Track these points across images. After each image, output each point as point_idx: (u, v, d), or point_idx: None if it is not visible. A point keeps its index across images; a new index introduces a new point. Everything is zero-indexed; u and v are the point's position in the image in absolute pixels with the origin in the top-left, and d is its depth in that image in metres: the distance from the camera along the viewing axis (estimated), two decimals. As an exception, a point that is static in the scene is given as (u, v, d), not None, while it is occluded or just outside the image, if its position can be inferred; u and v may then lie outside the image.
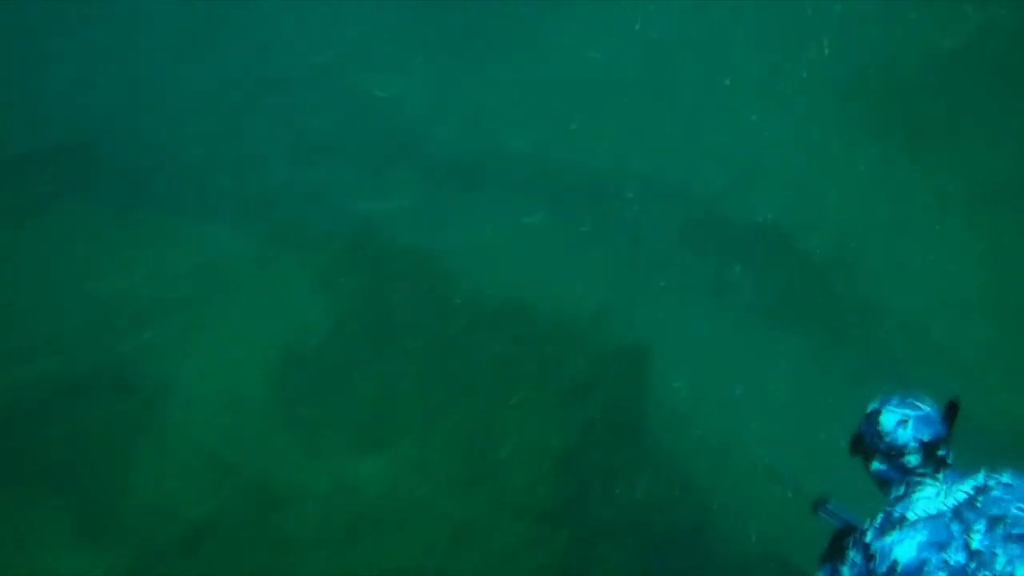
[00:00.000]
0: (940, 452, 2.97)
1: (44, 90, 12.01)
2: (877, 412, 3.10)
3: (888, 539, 2.71)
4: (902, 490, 2.96)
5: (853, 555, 2.84)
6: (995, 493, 2.70)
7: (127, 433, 7.67)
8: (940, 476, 2.92)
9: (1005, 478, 2.78)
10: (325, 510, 6.97)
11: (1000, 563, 2.49)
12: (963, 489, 2.79)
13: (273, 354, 8.60)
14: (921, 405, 3.07)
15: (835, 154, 11.41)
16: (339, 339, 8.72)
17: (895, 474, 3.01)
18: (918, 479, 2.93)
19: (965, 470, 2.96)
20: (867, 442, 3.11)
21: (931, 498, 2.81)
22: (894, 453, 3.00)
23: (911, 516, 2.76)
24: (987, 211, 10.27)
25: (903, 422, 2.99)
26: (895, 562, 2.64)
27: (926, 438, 2.96)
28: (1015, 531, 2.55)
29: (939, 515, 2.71)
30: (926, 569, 2.57)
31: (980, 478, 2.83)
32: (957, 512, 2.70)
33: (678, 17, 14.53)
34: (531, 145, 12.54)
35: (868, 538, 2.78)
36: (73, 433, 7.57)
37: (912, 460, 2.97)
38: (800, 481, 7.42)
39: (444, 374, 8.14)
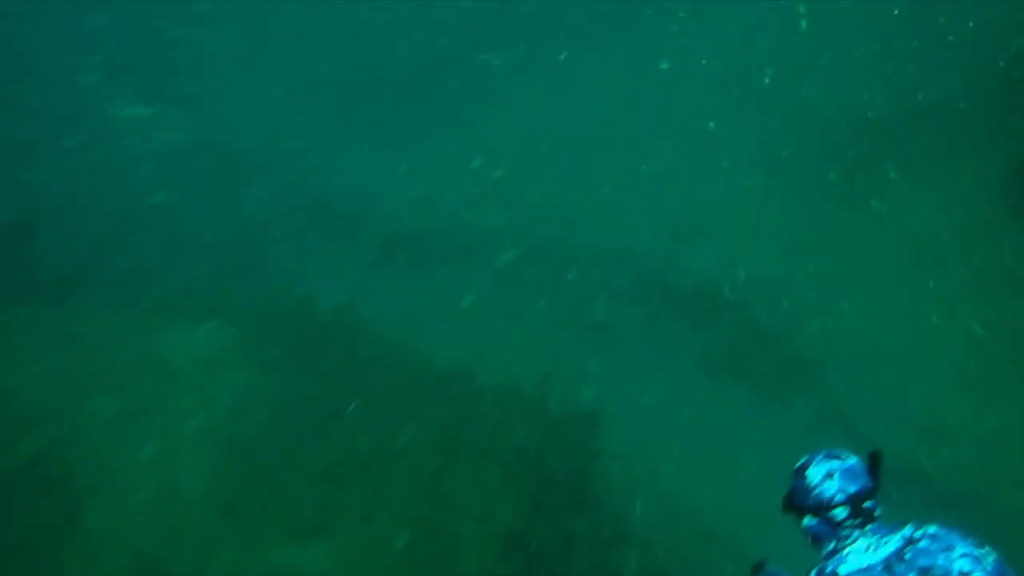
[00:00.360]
0: (867, 505, 2.98)
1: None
2: (804, 467, 3.11)
3: None
4: (833, 545, 2.97)
5: None
6: (922, 544, 2.73)
7: (49, 538, 7.24)
8: (869, 529, 2.94)
9: (932, 530, 2.80)
10: (266, 603, 6.64)
11: None
12: (892, 542, 2.81)
13: (211, 442, 8.31)
14: (846, 458, 3.08)
15: (772, 212, 11.70)
16: (279, 422, 8.47)
17: (825, 529, 3.02)
18: (847, 533, 2.95)
19: (894, 523, 2.97)
20: (797, 498, 3.12)
21: (861, 552, 2.83)
22: (822, 507, 3.00)
23: (842, 571, 2.78)
24: (917, 263, 10.56)
25: (829, 475, 3.00)
26: None
27: (852, 490, 2.97)
28: None
29: (869, 568, 2.74)
30: None
31: (908, 530, 2.84)
32: (887, 565, 2.73)
33: (613, 85, 14.98)
34: (471, 218, 12.63)
35: None
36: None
37: (840, 513, 2.97)
38: (746, 543, 7.33)
39: (388, 451, 7.92)
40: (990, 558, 2.70)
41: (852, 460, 3.06)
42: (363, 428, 8.23)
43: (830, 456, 3.08)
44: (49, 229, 10.85)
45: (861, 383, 9.52)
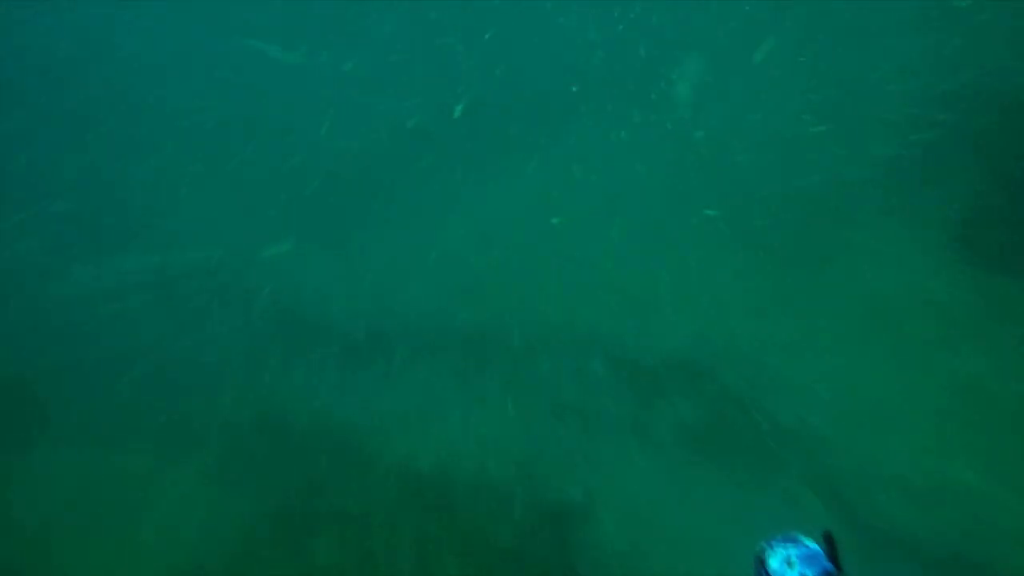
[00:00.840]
0: None
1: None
2: (762, 554, 3.19)
3: None
4: None
5: None
6: None
7: None
8: None
9: None
10: None
11: None
12: None
13: (182, 571, 7.90)
14: (804, 543, 3.16)
15: (733, 281, 11.77)
16: (252, 545, 8.10)
17: None
18: None
19: None
20: None
21: None
22: None
23: None
24: (881, 324, 10.63)
25: (788, 562, 3.07)
26: None
27: (812, 574, 3.01)
28: None
29: None
30: None
31: None
32: None
33: (558, 165, 15.22)
34: (432, 311, 12.53)
35: None
36: None
37: None
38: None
39: (363, 562, 7.57)
40: None
41: (811, 545, 3.13)
42: (341, 543, 7.88)
43: (787, 541, 3.16)
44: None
45: (840, 447, 9.40)
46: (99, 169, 14.49)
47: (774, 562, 3.11)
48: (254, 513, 8.24)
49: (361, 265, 13.57)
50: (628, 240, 12.42)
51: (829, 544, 3.12)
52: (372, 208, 14.86)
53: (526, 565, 7.49)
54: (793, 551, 3.13)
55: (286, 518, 8.09)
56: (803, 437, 9.70)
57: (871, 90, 13.46)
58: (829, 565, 3.07)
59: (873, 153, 12.60)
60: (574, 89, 15.03)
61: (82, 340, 11.41)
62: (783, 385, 10.22)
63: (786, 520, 9.46)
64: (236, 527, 8.11)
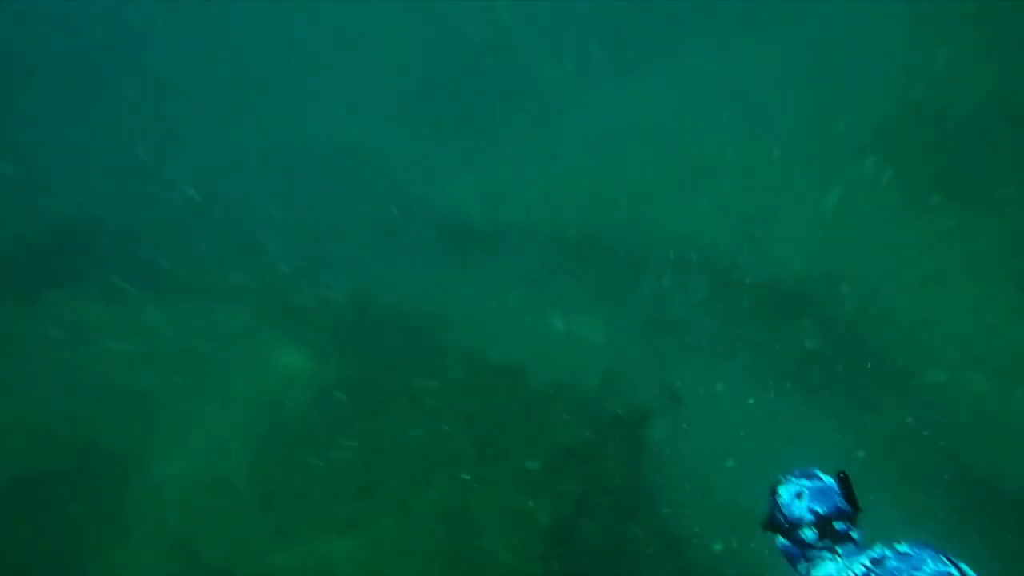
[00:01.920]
0: (838, 526, 2.90)
1: (59, 166, 12.22)
2: (777, 485, 3.07)
3: None
4: (804, 567, 2.93)
5: None
6: (891, 564, 2.65)
7: (96, 515, 7.27)
8: (840, 551, 2.87)
9: (902, 548, 2.70)
10: (293, 596, 6.40)
11: None
12: (861, 562, 2.72)
13: (255, 431, 8.21)
14: (821, 478, 3.01)
15: (862, 203, 10.83)
16: (324, 413, 8.29)
17: (795, 550, 2.96)
18: (815, 554, 2.90)
19: (866, 545, 2.85)
20: (771, 518, 3.06)
21: (831, 575, 2.79)
22: (792, 527, 2.95)
23: None
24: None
25: (799, 495, 2.96)
26: None
27: (822, 510, 2.90)
28: None
29: None
30: None
31: (877, 550, 2.74)
32: None
33: (692, 78, 14.38)
34: (544, 214, 12.26)
35: None
36: (41, 513, 7.20)
37: (808, 534, 2.92)
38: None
39: (430, 445, 7.60)
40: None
41: (826, 480, 2.99)
42: (407, 422, 7.94)
43: (803, 475, 3.02)
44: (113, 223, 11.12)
45: (956, 394, 8.57)
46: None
47: (785, 494, 2.99)
48: (332, 382, 8.40)
49: (472, 161, 13.43)
50: (752, 151, 11.60)
51: (843, 483, 2.96)
52: (496, 107, 14.67)
53: (594, 467, 7.30)
54: (807, 485, 2.97)
55: (360, 392, 8.20)
56: (916, 380, 8.90)
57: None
58: (842, 502, 2.92)
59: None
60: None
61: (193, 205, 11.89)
62: (901, 322, 9.38)
63: (868, 464, 8.88)
64: (312, 392, 8.30)
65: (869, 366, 9.40)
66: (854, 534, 2.93)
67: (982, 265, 9.49)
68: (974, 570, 2.64)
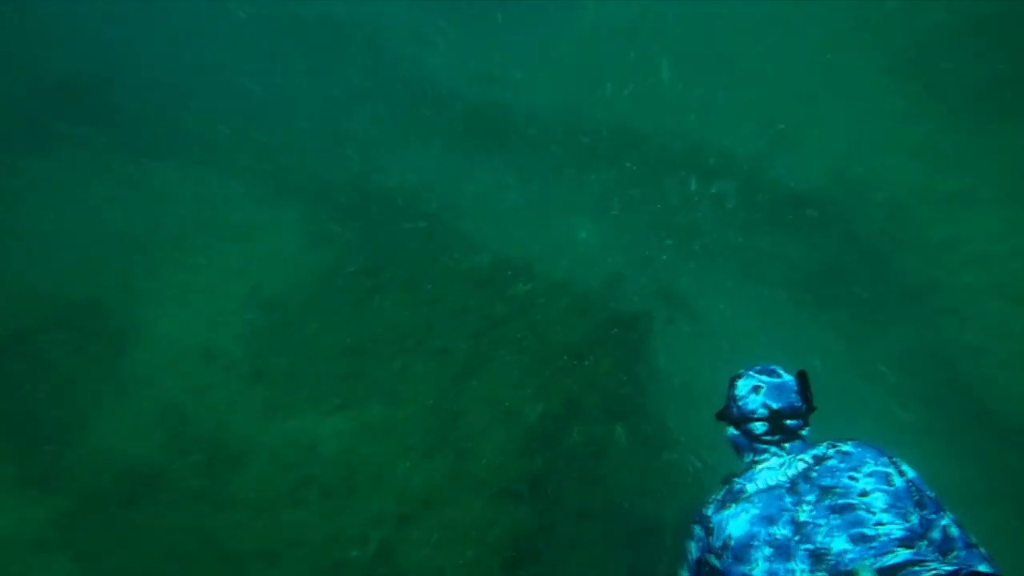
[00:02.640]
0: (790, 423, 2.88)
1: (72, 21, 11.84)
2: (737, 377, 3.07)
3: (725, 513, 2.69)
4: (750, 458, 2.92)
5: (697, 529, 2.80)
6: (831, 463, 2.65)
7: (91, 374, 7.36)
8: (787, 448, 2.86)
9: (846, 447, 2.71)
10: (276, 471, 6.47)
11: (821, 534, 2.48)
12: (803, 459, 2.73)
13: (254, 303, 8.19)
14: (780, 375, 3.00)
15: (893, 114, 10.24)
16: (325, 291, 8.23)
17: (744, 441, 2.96)
18: (763, 447, 2.89)
19: (814, 442, 2.86)
20: (726, 408, 3.06)
21: (773, 469, 2.76)
22: (744, 419, 2.94)
23: (750, 488, 2.72)
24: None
25: (756, 388, 2.95)
26: (728, 536, 2.63)
27: (775, 405, 2.90)
28: (840, 501, 2.52)
29: (776, 487, 2.68)
30: (754, 544, 2.55)
31: (821, 448, 2.75)
32: (793, 483, 2.66)
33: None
34: (560, 106, 11.75)
35: (709, 511, 2.76)
36: (37, 369, 7.29)
37: (758, 427, 2.91)
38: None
39: (426, 334, 7.52)
40: (901, 477, 2.60)
41: (785, 378, 2.98)
42: (404, 307, 7.85)
43: (764, 371, 3.00)
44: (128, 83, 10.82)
45: (973, 318, 8.28)
46: None
47: (742, 386, 3.00)
48: (333, 262, 8.30)
49: (498, 50, 12.80)
50: (781, 54, 10.91)
51: (801, 381, 2.96)
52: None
53: (589, 366, 7.20)
54: (765, 380, 2.98)
55: (360, 274, 8.09)
56: (931, 301, 8.60)
57: None
58: (796, 400, 2.93)
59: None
60: None
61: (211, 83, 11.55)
62: (924, 239, 8.99)
63: (868, 382, 8.69)
64: (313, 271, 8.21)
65: (885, 284, 9.10)
66: (804, 432, 2.93)
67: (1016, 186, 8.99)
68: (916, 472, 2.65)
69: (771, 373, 3.00)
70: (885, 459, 2.67)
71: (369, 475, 6.33)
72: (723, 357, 8.48)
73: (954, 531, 2.57)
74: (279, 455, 6.62)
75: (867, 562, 2.38)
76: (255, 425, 6.91)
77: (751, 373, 3.02)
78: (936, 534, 2.56)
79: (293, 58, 12.00)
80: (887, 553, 2.39)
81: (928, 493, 2.62)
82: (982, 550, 2.59)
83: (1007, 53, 9.88)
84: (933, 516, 2.58)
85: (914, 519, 2.52)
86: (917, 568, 2.28)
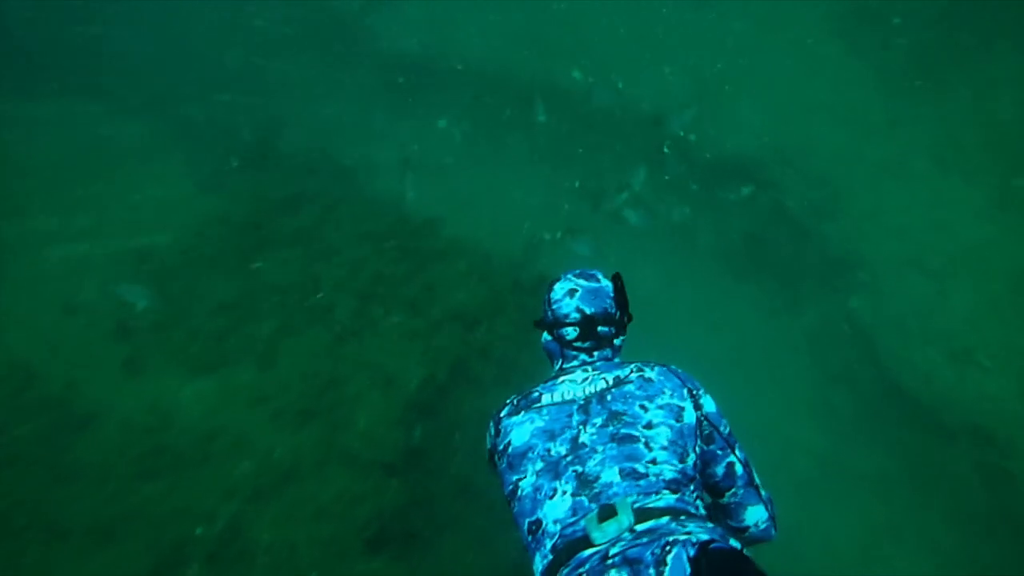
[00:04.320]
0: (602, 330, 2.79)
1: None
2: (555, 281, 2.94)
3: (514, 419, 2.62)
4: (558, 367, 2.82)
5: (491, 427, 2.72)
6: (629, 387, 2.56)
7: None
8: (597, 357, 2.79)
9: (650, 373, 2.61)
10: (127, 437, 5.83)
11: (594, 460, 2.40)
12: (605, 378, 2.63)
13: (130, 253, 7.46)
14: (599, 280, 2.89)
15: (828, 79, 9.82)
16: (208, 243, 7.53)
17: (555, 347, 2.85)
18: (574, 354, 2.80)
19: (627, 360, 2.73)
20: (542, 313, 2.93)
21: (574, 383, 2.65)
22: (557, 323, 2.83)
23: (545, 399, 2.62)
24: (994, 161, 8.65)
25: (572, 292, 2.84)
26: (508, 443, 2.58)
27: (588, 310, 2.80)
28: (623, 431, 2.44)
29: (570, 402, 2.59)
30: (529, 455, 2.50)
31: (627, 369, 2.64)
32: (587, 402, 2.57)
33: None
34: (494, 54, 11.07)
35: (503, 412, 2.69)
36: None
37: (570, 333, 2.80)
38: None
39: (310, 291, 6.92)
40: (696, 411, 2.52)
41: (603, 283, 2.88)
42: (291, 262, 7.22)
43: (583, 275, 2.88)
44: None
45: (891, 292, 7.96)
46: None
47: (558, 290, 2.87)
48: (222, 212, 7.59)
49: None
50: (717, 23, 10.38)
51: (617, 285, 2.85)
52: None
53: (481, 331, 6.68)
54: (582, 284, 2.85)
55: (248, 232, 7.40)
56: (854, 275, 8.26)
57: None
58: (611, 306, 2.82)
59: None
60: None
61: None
62: (850, 211, 8.63)
63: (787, 357, 8.34)
64: (199, 223, 7.48)
65: (807, 255, 8.75)
66: (617, 342, 2.83)
67: (946, 156, 8.67)
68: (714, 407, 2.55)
69: (589, 277, 2.87)
70: (684, 391, 2.56)
71: (228, 444, 5.75)
72: (639, 328, 8.07)
73: (739, 469, 2.57)
74: (132, 420, 5.98)
75: (629, 499, 2.29)
76: (110, 386, 6.24)
77: (569, 276, 2.89)
78: (719, 469, 2.55)
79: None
80: (652, 494, 2.30)
81: (721, 429, 2.56)
82: (763, 492, 2.61)
83: (952, 20, 9.52)
84: (719, 452, 2.55)
85: (691, 460, 2.44)
86: (674, 525, 2.18)
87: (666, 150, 9.81)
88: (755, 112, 9.49)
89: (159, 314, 6.82)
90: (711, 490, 2.61)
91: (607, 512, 2.27)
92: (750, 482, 2.60)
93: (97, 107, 9.38)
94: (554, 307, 2.85)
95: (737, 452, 2.59)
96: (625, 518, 2.22)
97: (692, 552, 1.96)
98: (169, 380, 6.30)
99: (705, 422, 2.54)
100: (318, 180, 8.53)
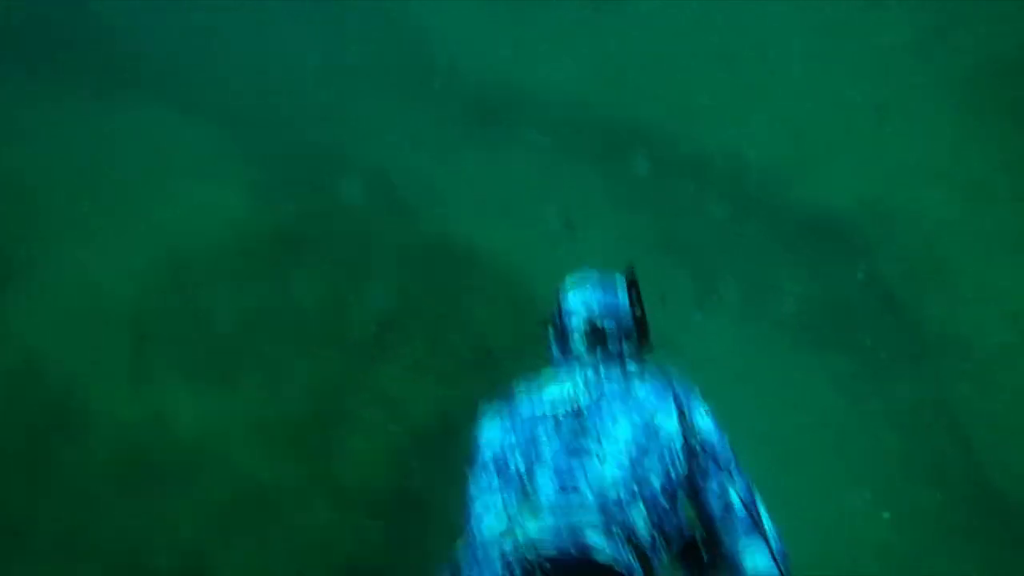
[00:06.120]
0: (609, 338, 2.55)
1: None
2: (567, 289, 2.70)
3: (490, 426, 2.49)
4: (555, 373, 2.56)
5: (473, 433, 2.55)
6: (606, 402, 2.35)
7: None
8: (600, 370, 2.48)
9: (642, 388, 2.38)
10: (116, 448, 5.47)
11: (541, 474, 2.25)
12: (592, 390, 2.40)
13: (163, 260, 7.22)
14: (618, 294, 2.65)
15: (941, 144, 8.84)
16: (244, 255, 7.22)
17: (558, 354, 2.62)
18: (575, 361, 2.53)
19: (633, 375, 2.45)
20: (551, 321, 2.70)
21: (561, 392, 2.43)
22: (563, 324, 2.62)
23: (524, 408, 2.44)
24: None
25: (584, 294, 2.64)
26: (478, 443, 2.48)
27: (598, 315, 2.58)
28: (584, 444, 2.27)
29: (544, 412, 2.40)
30: (486, 462, 2.38)
31: (616, 383, 2.40)
32: (564, 416, 2.37)
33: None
34: (567, 95, 10.63)
35: (483, 418, 2.55)
36: None
37: (575, 337, 2.57)
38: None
39: (335, 312, 6.47)
40: (679, 428, 2.27)
41: (622, 298, 2.63)
42: (323, 281, 6.81)
43: (600, 285, 2.67)
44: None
45: (998, 385, 6.85)
46: None
47: (570, 289, 2.66)
48: (251, 226, 7.28)
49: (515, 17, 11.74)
50: (808, 61, 9.57)
51: (632, 292, 2.63)
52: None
53: (503, 369, 6.07)
54: (598, 288, 2.63)
55: (277, 245, 7.03)
56: (947, 353, 7.19)
57: None
58: (626, 317, 2.59)
59: None
60: None
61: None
62: (952, 282, 7.59)
63: (867, 444, 7.31)
64: (225, 232, 7.18)
65: (901, 335, 7.72)
66: (629, 358, 2.54)
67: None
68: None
69: (606, 282, 2.68)
70: (674, 410, 2.30)
71: (215, 466, 5.31)
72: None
73: (737, 507, 2.23)
74: (126, 431, 5.63)
75: (545, 515, 2.11)
76: (112, 394, 5.92)
77: (584, 277, 2.71)
78: (712, 507, 2.23)
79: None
80: (578, 510, 2.11)
81: (719, 455, 2.28)
82: (775, 543, 2.20)
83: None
84: (715, 485, 2.24)
85: (653, 480, 2.17)
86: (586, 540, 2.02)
87: (749, 202, 9.03)
88: (856, 170, 8.60)
89: (180, 324, 6.51)
90: (707, 531, 2.28)
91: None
92: (753, 526, 2.23)
93: (172, 115, 9.38)
94: (563, 308, 2.64)
95: (738, 486, 2.27)
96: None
97: None
98: (173, 393, 5.93)
99: (698, 446, 2.28)
100: (372, 202, 8.19)
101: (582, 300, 2.62)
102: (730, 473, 2.28)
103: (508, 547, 2.09)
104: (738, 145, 9.45)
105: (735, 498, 2.25)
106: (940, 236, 8.14)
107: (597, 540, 2.03)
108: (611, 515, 2.10)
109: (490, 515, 2.25)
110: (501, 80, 10.98)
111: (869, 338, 8.03)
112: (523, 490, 2.24)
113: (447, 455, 5.40)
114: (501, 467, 2.35)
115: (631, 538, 2.08)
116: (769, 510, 2.27)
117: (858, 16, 10.03)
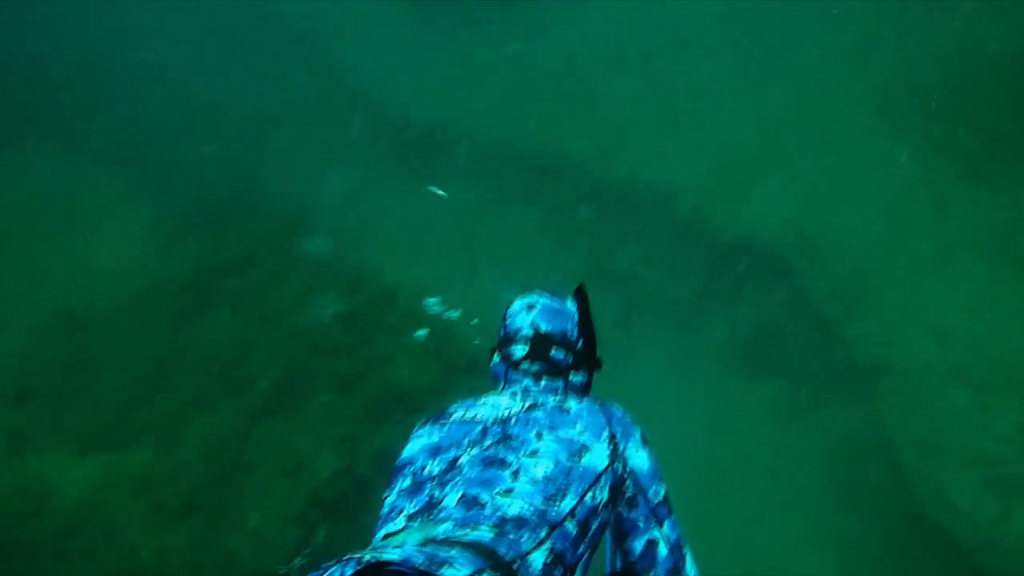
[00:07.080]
0: (555, 354, 2.34)
1: None
2: (515, 299, 2.46)
3: (418, 431, 2.25)
4: (499, 387, 2.37)
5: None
6: (538, 413, 2.17)
7: None
8: (542, 387, 2.31)
9: (572, 403, 2.18)
10: (-13, 523, 4.98)
11: (451, 484, 2.03)
12: (525, 403, 2.22)
13: (59, 314, 6.77)
14: (566, 303, 2.43)
15: (863, 164, 8.83)
16: (143, 306, 6.82)
17: (501, 370, 2.39)
18: (517, 379, 2.34)
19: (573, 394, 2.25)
20: (497, 340, 2.44)
21: (496, 404, 2.24)
22: (507, 340, 2.38)
23: (456, 416, 2.23)
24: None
25: (530, 306, 2.40)
26: (401, 454, 2.21)
27: (544, 327, 2.37)
28: (501, 455, 2.07)
29: (476, 422, 2.19)
30: (404, 471, 2.13)
31: (552, 398, 2.22)
32: (493, 425, 2.18)
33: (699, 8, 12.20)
34: (498, 132, 10.44)
35: (417, 425, 2.29)
36: None
37: (518, 351, 2.35)
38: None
39: (235, 362, 6.08)
40: (607, 459, 2.03)
41: (568, 305, 2.42)
42: (224, 325, 6.42)
43: (547, 294, 2.46)
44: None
45: (926, 405, 6.71)
46: None
47: (516, 303, 2.42)
48: (159, 281, 6.87)
49: (438, 53, 11.56)
50: (743, 88, 9.53)
51: (581, 304, 2.41)
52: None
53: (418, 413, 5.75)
54: (543, 302, 2.37)
55: (185, 300, 6.62)
56: (880, 379, 7.04)
57: None
58: (571, 328, 2.37)
59: None
60: None
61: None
62: (880, 307, 7.49)
63: (800, 472, 7.15)
64: (134, 285, 6.76)
65: (829, 357, 7.59)
66: (575, 378, 2.36)
67: (996, 253, 7.50)
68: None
69: (554, 296, 2.46)
70: (604, 432, 2.09)
71: (93, 540, 4.85)
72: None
73: (662, 550, 2.10)
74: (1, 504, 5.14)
75: (440, 527, 1.89)
76: (-12, 463, 5.43)
77: (533, 292, 2.48)
78: (636, 545, 2.08)
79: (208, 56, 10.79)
80: (468, 526, 1.89)
81: (650, 494, 2.09)
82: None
83: (1008, 109, 8.51)
84: (640, 523, 2.09)
85: (566, 505, 1.96)
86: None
87: (676, 228, 8.90)
88: (780, 193, 8.52)
89: (68, 380, 6.06)
90: (624, 568, 2.13)
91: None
92: (676, 572, 2.11)
93: (76, 158, 8.94)
94: (507, 322, 2.44)
95: (665, 529, 2.12)
96: (401, 551, 1.72)
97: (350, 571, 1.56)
98: (55, 458, 5.48)
99: (628, 481, 2.10)
100: (279, 242, 7.82)
101: (530, 317, 2.43)
102: (660, 523, 2.14)
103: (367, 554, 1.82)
104: (664, 172, 9.34)
105: (663, 547, 2.13)
106: (864, 255, 8.08)
107: (459, 559, 1.76)
108: (504, 535, 1.91)
109: (390, 518, 2.05)
110: (425, 117, 10.79)
111: (798, 362, 7.90)
112: (429, 498, 2.06)
113: (354, 508, 5.07)
114: (417, 471, 2.17)
115: (518, 562, 1.85)
116: (694, 554, 2.12)
117: (779, 43, 10.09)
